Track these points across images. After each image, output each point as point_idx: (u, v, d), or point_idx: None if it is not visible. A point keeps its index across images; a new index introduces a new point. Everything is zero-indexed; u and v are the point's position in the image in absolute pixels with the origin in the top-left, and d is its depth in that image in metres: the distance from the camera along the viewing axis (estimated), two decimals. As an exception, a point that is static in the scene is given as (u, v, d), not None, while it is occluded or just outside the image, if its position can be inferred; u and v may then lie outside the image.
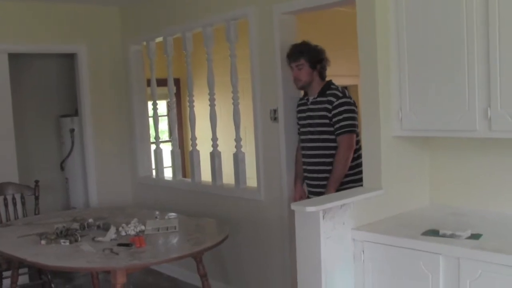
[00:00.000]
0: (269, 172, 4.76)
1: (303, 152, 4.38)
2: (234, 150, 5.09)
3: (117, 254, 3.62)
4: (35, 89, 6.95)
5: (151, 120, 6.54)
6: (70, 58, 6.58)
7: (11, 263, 4.65)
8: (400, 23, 3.25)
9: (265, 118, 4.73)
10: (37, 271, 5.46)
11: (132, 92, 6.48)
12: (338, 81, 7.79)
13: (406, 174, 3.49)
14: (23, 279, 5.45)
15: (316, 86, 4.25)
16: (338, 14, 6.71)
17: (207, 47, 5.32)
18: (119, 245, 3.78)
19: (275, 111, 4.64)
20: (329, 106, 4.13)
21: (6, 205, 5.42)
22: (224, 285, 5.30)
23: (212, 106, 5.32)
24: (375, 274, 3.12)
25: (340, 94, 4.15)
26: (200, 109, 5.83)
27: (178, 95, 7.97)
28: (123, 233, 4.08)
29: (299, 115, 4.42)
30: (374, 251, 3.10)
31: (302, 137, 4.39)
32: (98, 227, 4.34)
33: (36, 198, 5.55)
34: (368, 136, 3.40)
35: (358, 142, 4.13)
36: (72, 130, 6.80)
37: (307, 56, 4.21)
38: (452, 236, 2.84)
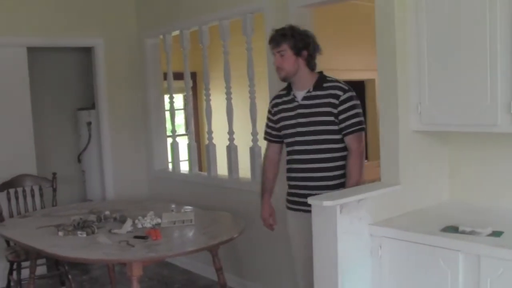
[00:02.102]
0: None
1: (294, 157, 3.70)
2: (251, 144, 5.08)
3: (133, 246, 3.63)
4: (53, 83, 6.98)
5: (167, 114, 6.55)
6: (87, 52, 6.60)
7: (30, 254, 4.67)
8: (420, 15, 3.19)
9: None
10: (55, 262, 5.51)
11: (149, 86, 6.49)
12: (355, 75, 7.85)
13: (424, 169, 3.45)
14: (41, 270, 5.49)
15: (306, 78, 3.62)
16: (355, 7, 6.69)
17: (223, 41, 5.31)
18: (135, 237, 3.80)
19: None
20: (335, 101, 3.53)
21: (24, 196, 5.48)
22: (238, 278, 5.29)
23: (228, 99, 5.31)
24: (392, 270, 3.09)
25: (346, 87, 3.58)
26: (217, 103, 5.82)
27: (194, 88, 7.97)
28: (139, 226, 4.09)
29: (280, 115, 3.74)
30: (392, 247, 3.07)
31: (289, 140, 3.71)
32: (115, 219, 4.36)
33: (54, 190, 5.60)
34: (386, 131, 3.36)
35: None
36: (89, 123, 6.83)
37: (290, 40, 3.55)
38: (472, 233, 2.80)
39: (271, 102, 3.84)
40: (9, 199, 5.39)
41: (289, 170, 3.76)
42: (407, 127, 3.31)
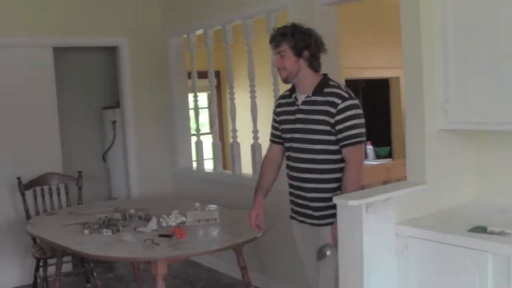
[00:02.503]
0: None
1: (289, 163, 3.52)
2: (275, 142, 5.06)
3: (158, 244, 3.64)
4: (78, 82, 7.03)
5: (191, 112, 6.56)
6: (112, 51, 6.63)
7: (56, 251, 4.72)
8: (446, 11, 3.15)
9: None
10: (80, 260, 5.55)
11: (173, 85, 6.51)
12: (380, 73, 7.80)
13: (451, 168, 3.41)
14: (66, 267, 5.53)
15: (308, 81, 3.40)
16: (380, 4, 6.64)
17: (247, 39, 5.30)
18: (160, 236, 3.81)
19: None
20: (332, 110, 3.28)
21: (50, 194, 5.53)
22: (262, 277, 5.29)
23: (252, 98, 5.31)
24: (418, 271, 3.06)
25: (346, 95, 3.32)
26: (241, 101, 5.81)
27: (218, 87, 7.98)
28: (164, 224, 4.10)
29: (282, 117, 3.57)
30: (418, 247, 3.03)
31: (287, 145, 3.54)
32: (140, 217, 4.38)
33: (79, 188, 5.65)
34: (411, 129, 3.33)
35: None
36: (114, 122, 6.87)
37: (290, 40, 3.33)
38: (501, 233, 2.75)
39: (276, 101, 3.71)
40: (35, 197, 5.44)
41: (287, 175, 3.59)
42: (433, 126, 3.27)
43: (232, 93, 5.66)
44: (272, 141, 3.71)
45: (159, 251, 3.56)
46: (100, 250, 3.70)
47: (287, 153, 3.53)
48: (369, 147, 8.40)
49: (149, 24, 6.48)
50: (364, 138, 3.34)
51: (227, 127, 8.29)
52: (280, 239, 5.01)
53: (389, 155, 8.25)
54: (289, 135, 3.49)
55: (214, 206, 4.80)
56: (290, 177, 3.52)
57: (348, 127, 3.27)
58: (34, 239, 5.14)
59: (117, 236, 3.91)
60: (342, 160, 3.35)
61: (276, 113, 3.65)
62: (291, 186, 3.54)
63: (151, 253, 3.56)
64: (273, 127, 3.69)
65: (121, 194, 6.83)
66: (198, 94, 6.36)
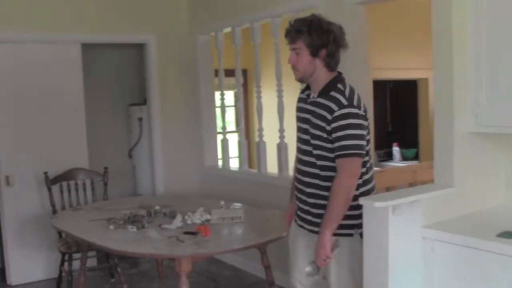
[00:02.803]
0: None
1: (296, 165, 3.36)
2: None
3: (182, 242, 3.64)
4: (105, 78, 7.07)
5: (218, 110, 6.57)
6: (139, 48, 6.66)
7: (81, 246, 4.76)
8: (479, 13, 3.11)
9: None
10: (105, 255, 5.60)
11: (200, 82, 6.52)
12: (408, 74, 7.74)
13: (480, 172, 3.35)
14: (91, 262, 5.59)
15: (322, 80, 3.14)
16: (410, 4, 6.58)
17: (275, 38, 5.29)
18: (185, 233, 3.81)
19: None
20: (328, 116, 3.03)
21: (76, 190, 5.58)
22: (286, 276, 5.25)
23: (279, 97, 5.30)
24: (444, 275, 3.02)
25: (345, 102, 3.02)
26: (267, 100, 5.80)
27: (245, 85, 7.98)
28: (189, 222, 4.11)
29: (297, 114, 3.36)
30: (445, 251, 2.99)
31: (296, 145, 3.36)
32: (165, 214, 4.39)
33: (105, 184, 5.69)
34: (440, 131, 3.28)
35: (365, 163, 3.15)
36: (140, 119, 6.90)
37: (307, 38, 3.06)
38: (530, 239, 2.72)
39: (298, 97, 3.43)
40: (61, 192, 5.50)
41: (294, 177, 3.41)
42: (462, 128, 3.23)
43: (259, 92, 5.65)
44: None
45: (184, 248, 3.56)
46: (125, 246, 3.71)
47: (296, 154, 3.36)
48: (396, 149, 8.35)
49: (177, 22, 6.51)
50: (360, 151, 3.02)
51: (253, 125, 8.29)
52: None
53: (416, 157, 8.19)
54: (298, 134, 3.31)
55: (239, 204, 4.80)
56: (295, 179, 3.34)
57: (341, 137, 2.99)
58: (59, 233, 5.20)
59: (142, 233, 3.92)
60: None
61: (296, 111, 3.41)
62: (295, 188, 3.35)
63: (176, 250, 3.56)
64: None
65: (146, 190, 6.86)
66: (225, 92, 6.36)
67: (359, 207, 3.03)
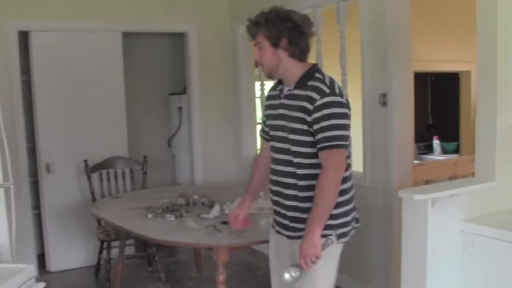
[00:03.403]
0: (375, 158, 4.65)
1: (271, 165, 3.07)
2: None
3: (220, 231, 3.65)
4: (146, 67, 7.11)
5: (257, 101, 6.57)
6: (180, 37, 6.69)
7: (120, 234, 4.82)
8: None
9: (374, 102, 4.61)
10: (143, 243, 5.65)
11: (240, 72, 6.52)
12: (450, 67, 7.62)
13: (522, 166, 3.30)
14: (129, 250, 5.65)
15: (292, 73, 2.91)
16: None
17: (316, 29, 5.24)
18: (223, 222, 3.82)
19: (384, 95, 4.51)
20: (310, 106, 2.78)
21: (116, 178, 5.63)
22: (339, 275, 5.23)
23: (343, 81, 5.25)
24: (483, 269, 2.99)
25: (327, 90, 2.78)
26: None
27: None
28: (227, 211, 4.11)
29: (268, 111, 3.11)
30: (484, 245, 2.96)
31: (271, 143, 3.09)
32: (203, 204, 4.41)
33: (144, 173, 5.73)
34: (482, 125, 3.24)
35: (348, 157, 2.88)
36: (180, 108, 6.94)
37: (265, 29, 2.86)
38: None
39: (267, 94, 3.20)
40: (101, 180, 5.56)
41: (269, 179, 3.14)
42: (505, 122, 3.18)
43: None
44: (261, 137, 3.30)
45: (222, 238, 3.57)
46: (164, 235, 3.74)
47: (270, 153, 3.09)
48: (436, 142, 8.26)
49: (218, 11, 6.51)
50: (345, 143, 2.78)
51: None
52: (365, 239, 4.95)
53: (457, 151, 8.08)
54: (272, 133, 3.06)
55: (276, 195, 4.79)
56: (270, 181, 3.08)
57: (325, 127, 2.75)
58: (98, 221, 5.25)
59: (180, 222, 3.95)
60: (320, 166, 2.83)
61: (265, 107, 3.18)
62: (270, 191, 3.10)
63: (214, 239, 3.58)
64: (263, 122, 3.24)
65: (185, 180, 6.90)
66: (265, 82, 6.35)
67: (339, 205, 2.83)
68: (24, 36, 5.69)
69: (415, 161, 6.71)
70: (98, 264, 5.60)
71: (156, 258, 5.33)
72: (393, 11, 4.39)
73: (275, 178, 3.02)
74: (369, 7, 4.56)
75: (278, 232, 3.11)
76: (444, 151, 8.18)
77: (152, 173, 6.18)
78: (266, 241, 3.78)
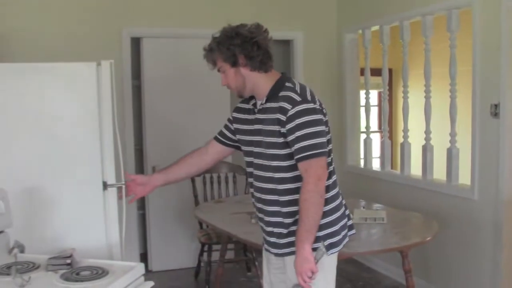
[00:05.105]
0: (485, 171, 4.48)
1: (252, 182, 2.99)
2: (447, 144, 4.88)
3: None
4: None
5: (362, 110, 6.50)
6: (286, 44, 6.70)
7: (221, 238, 4.87)
8: None
9: (485, 113, 4.44)
10: (243, 248, 5.69)
11: (345, 81, 6.47)
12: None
13: None
14: (229, 254, 5.68)
15: (262, 86, 2.84)
16: None
17: (425, 37, 5.13)
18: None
19: (496, 106, 4.34)
20: (282, 117, 2.70)
21: (219, 182, 5.71)
22: (426, 283, 5.12)
23: (427, 98, 5.14)
24: None
25: (298, 98, 2.71)
26: (413, 101, 5.66)
27: (389, 85, 7.83)
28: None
29: (238, 125, 3.06)
30: None
31: (246, 159, 3.01)
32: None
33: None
34: None
35: (329, 164, 2.85)
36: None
37: (219, 52, 2.86)
38: None
39: (235, 107, 3.18)
40: (204, 184, 5.65)
41: (251, 196, 3.08)
42: None
43: (406, 92, 5.53)
44: (216, 138, 3.23)
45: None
46: (266, 240, 3.74)
47: (248, 169, 3.00)
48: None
49: (325, 19, 6.50)
50: (322, 150, 2.71)
51: (396, 126, 8.14)
52: (449, 246, 4.84)
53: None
54: (248, 148, 2.96)
55: (380, 205, 4.72)
56: (253, 197, 3.02)
57: (299, 137, 2.67)
58: (200, 224, 5.34)
59: (283, 228, 3.94)
60: (301, 179, 2.74)
61: (232, 118, 3.15)
62: (254, 207, 3.05)
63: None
64: (225, 126, 3.20)
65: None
66: (370, 91, 6.28)
67: (323, 215, 2.73)
68: (136, 43, 5.87)
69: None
70: (198, 266, 5.70)
71: (256, 263, 5.36)
72: (509, 18, 4.21)
73: (258, 195, 2.95)
74: (483, 14, 4.40)
75: (267, 250, 3.04)
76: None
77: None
78: (370, 252, 3.74)
